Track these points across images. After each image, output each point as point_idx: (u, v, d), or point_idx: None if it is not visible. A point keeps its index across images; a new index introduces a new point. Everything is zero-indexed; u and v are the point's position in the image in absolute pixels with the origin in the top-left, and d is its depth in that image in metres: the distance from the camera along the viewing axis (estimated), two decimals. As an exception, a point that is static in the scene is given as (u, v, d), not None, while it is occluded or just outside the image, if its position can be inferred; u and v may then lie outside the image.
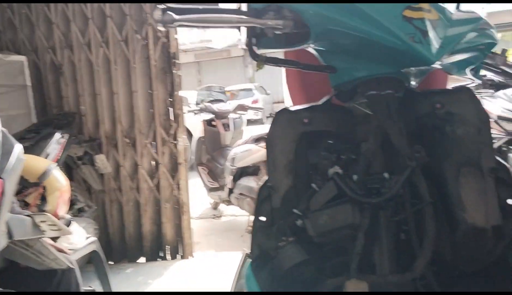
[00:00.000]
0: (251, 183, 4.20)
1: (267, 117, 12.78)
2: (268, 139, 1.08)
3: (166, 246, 3.72)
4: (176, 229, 3.71)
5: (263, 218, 1.05)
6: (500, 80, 3.87)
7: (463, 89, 0.99)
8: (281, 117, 1.07)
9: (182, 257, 3.71)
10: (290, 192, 1.03)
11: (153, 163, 3.69)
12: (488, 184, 0.93)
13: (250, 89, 16.34)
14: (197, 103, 5.30)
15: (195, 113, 5.12)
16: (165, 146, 3.64)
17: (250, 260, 1.03)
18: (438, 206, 0.94)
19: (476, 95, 0.99)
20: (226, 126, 5.07)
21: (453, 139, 0.95)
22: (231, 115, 5.11)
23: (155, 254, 3.72)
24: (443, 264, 0.97)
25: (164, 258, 3.72)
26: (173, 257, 3.71)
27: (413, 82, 1.04)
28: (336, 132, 1.06)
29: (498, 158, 0.96)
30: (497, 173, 0.95)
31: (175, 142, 3.63)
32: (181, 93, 3.63)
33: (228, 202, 4.69)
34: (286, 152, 1.05)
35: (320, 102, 1.09)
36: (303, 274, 0.97)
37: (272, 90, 17.70)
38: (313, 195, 1.00)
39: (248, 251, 1.08)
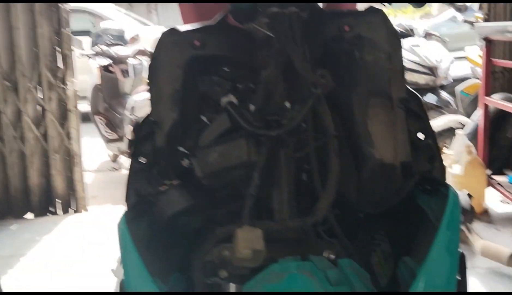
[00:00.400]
0: (153, 133, 3.96)
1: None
2: (151, 66, 0.90)
3: (57, 200, 3.46)
4: (67, 182, 3.45)
5: (143, 159, 0.88)
6: (401, 30, 3.93)
7: (374, 11, 0.89)
8: (166, 39, 0.90)
9: (75, 212, 3.49)
10: (177, 127, 0.87)
11: (40, 109, 3.34)
12: (398, 116, 0.84)
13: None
14: (92, 46, 4.82)
15: (90, 57, 4.69)
16: (52, 91, 3.31)
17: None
18: (344, 140, 0.84)
19: (388, 18, 0.88)
20: (125, 72, 4.71)
21: (361, 66, 0.85)
22: (131, 61, 4.74)
23: (44, 208, 3.45)
24: (347, 206, 0.87)
25: (54, 213, 3.47)
26: (65, 212, 3.48)
27: (320, 3, 0.91)
28: (233, 57, 0.91)
29: (409, 88, 0.87)
30: (408, 104, 0.85)
31: (63, 86, 3.29)
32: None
33: (128, 154, 4.43)
34: (172, 79, 0.88)
35: (214, 21, 0.92)
36: (188, 223, 0.83)
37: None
38: (203, 129, 0.85)
39: None
